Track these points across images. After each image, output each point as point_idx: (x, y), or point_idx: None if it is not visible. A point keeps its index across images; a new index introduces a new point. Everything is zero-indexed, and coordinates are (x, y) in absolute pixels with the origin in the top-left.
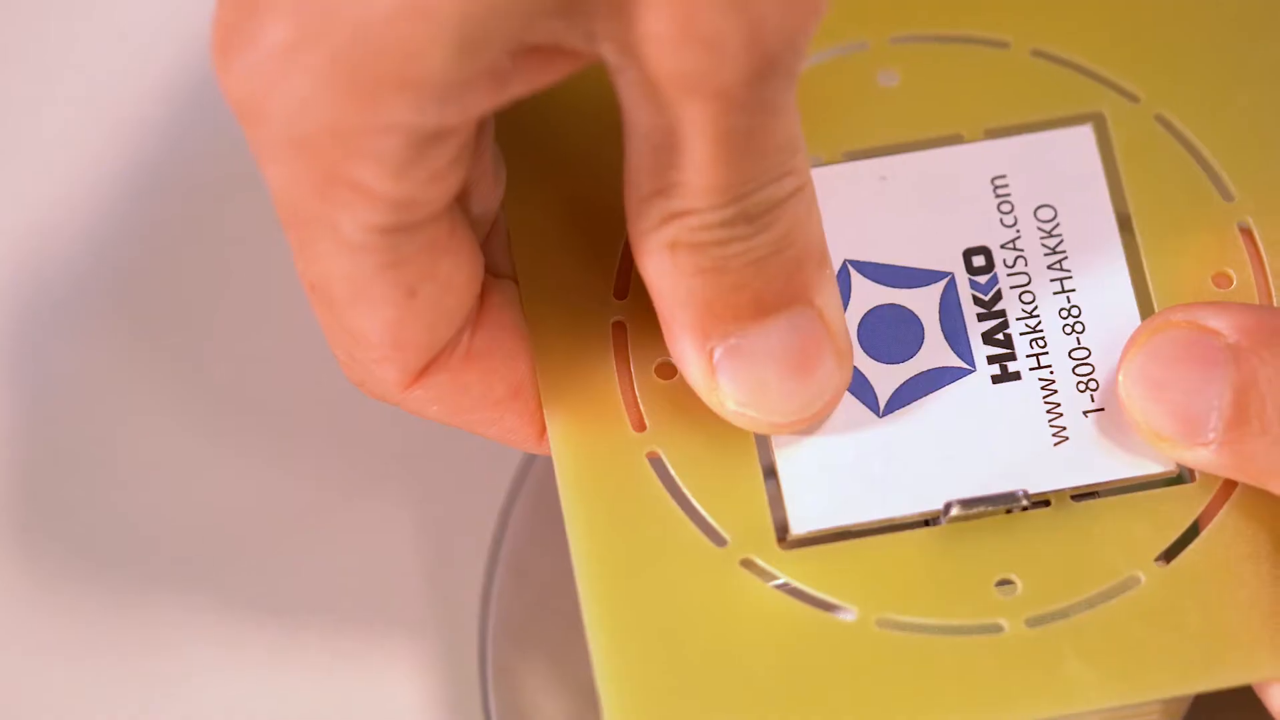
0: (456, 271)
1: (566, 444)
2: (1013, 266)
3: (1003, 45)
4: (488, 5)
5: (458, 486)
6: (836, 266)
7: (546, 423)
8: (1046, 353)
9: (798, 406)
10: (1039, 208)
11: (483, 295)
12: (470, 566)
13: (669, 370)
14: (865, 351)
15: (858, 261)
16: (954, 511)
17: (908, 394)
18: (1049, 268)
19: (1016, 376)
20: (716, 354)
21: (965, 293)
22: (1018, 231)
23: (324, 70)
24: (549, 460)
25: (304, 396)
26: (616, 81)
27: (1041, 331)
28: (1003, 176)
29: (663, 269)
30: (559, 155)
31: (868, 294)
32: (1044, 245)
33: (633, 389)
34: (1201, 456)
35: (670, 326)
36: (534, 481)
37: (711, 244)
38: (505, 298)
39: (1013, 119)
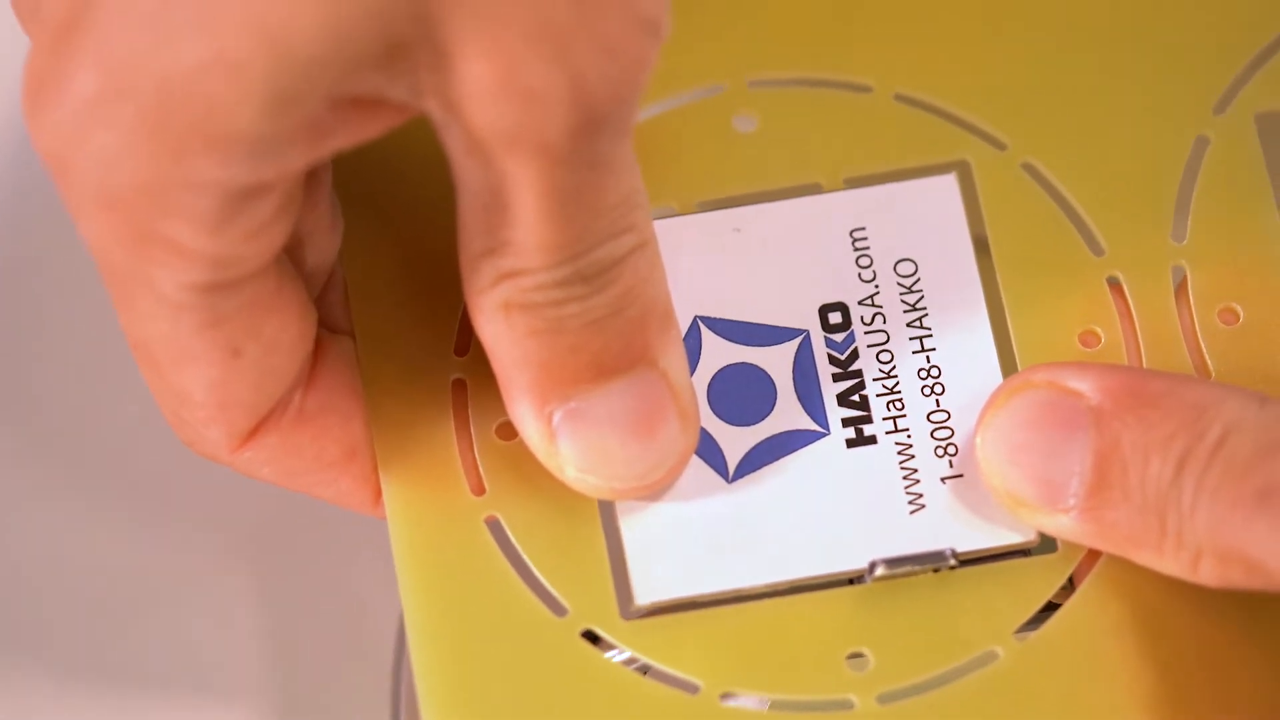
0: (284, 330)
1: (402, 509)
2: (870, 324)
3: (865, 89)
4: (301, 59)
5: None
6: (686, 323)
7: (382, 486)
8: (904, 415)
9: (640, 472)
10: (899, 262)
11: (317, 352)
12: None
13: (510, 431)
14: (715, 413)
15: (708, 318)
16: (879, 571)
17: (759, 458)
18: (908, 325)
19: (872, 440)
20: (555, 418)
21: (820, 351)
22: (876, 287)
23: (130, 125)
24: None
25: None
26: (443, 138)
27: (899, 393)
28: (862, 229)
29: (497, 330)
30: (400, 207)
31: (718, 352)
32: (903, 301)
33: (472, 450)
34: (1063, 524)
35: (507, 389)
36: None
37: (546, 305)
38: (341, 355)
39: (874, 167)
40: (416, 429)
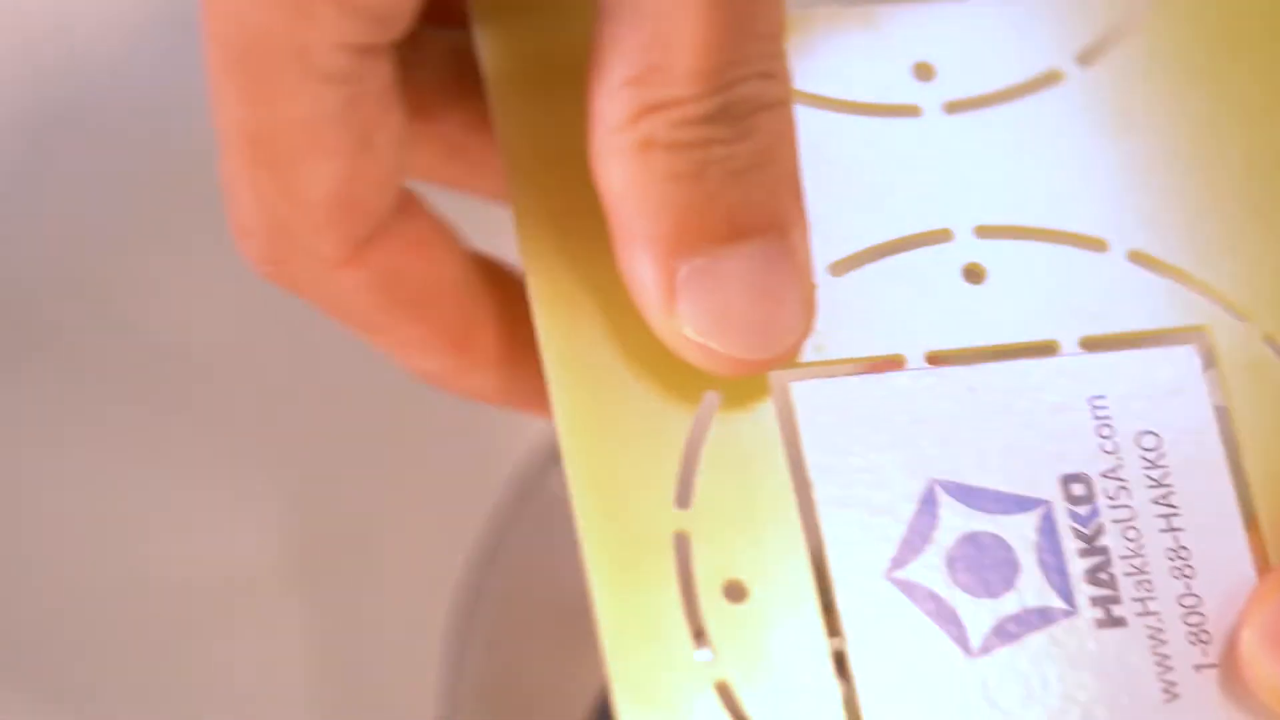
0: (405, 125)
1: (624, 666)
2: (1115, 498)
3: (1099, 247)
4: None
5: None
6: (922, 485)
7: (602, 638)
8: (1154, 597)
9: (760, 343)
10: (1142, 434)
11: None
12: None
13: (738, 593)
14: (955, 583)
15: (946, 482)
16: None
17: (1003, 633)
18: (1154, 502)
19: (1122, 622)
20: (681, 272)
21: (1064, 524)
22: (1119, 460)
23: None
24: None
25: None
26: None
27: (1148, 574)
28: (1101, 397)
29: (631, 172)
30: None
31: (958, 519)
32: (1148, 477)
33: (698, 609)
34: None
35: (628, 238)
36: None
37: (691, 144)
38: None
39: (1110, 329)
40: (639, 591)
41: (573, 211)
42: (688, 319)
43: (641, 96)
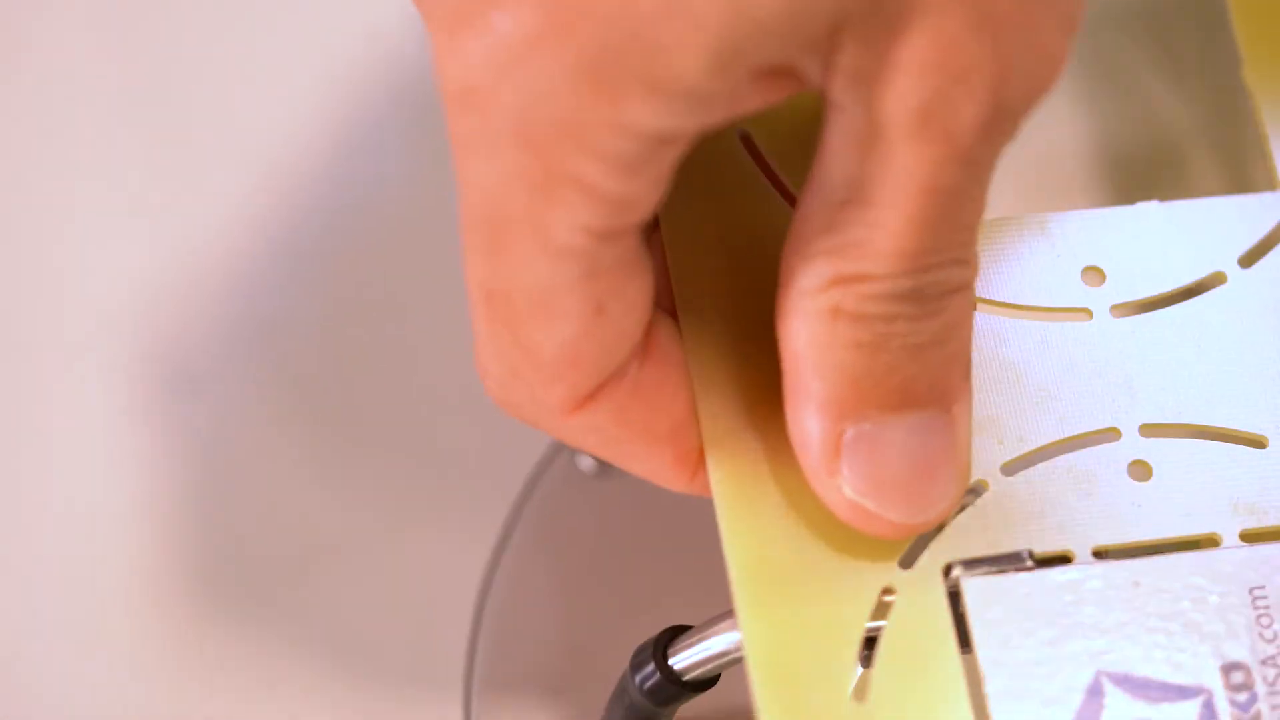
0: (641, 292)
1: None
2: (1273, 684)
3: (1259, 444)
4: (757, 21)
5: (443, 534)
6: (1088, 676)
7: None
8: None
9: (914, 510)
10: None
11: (651, 327)
12: (456, 619)
13: None
14: None
15: (1112, 673)
16: None
17: None
18: None
19: None
20: (848, 435)
21: (1225, 711)
22: (1278, 648)
23: (569, 62)
24: (539, 505)
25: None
26: (829, 119)
27: None
28: (1261, 588)
29: (815, 335)
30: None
31: (1123, 709)
32: None
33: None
34: None
35: (801, 397)
36: (524, 529)
37: (878, 317)
38: (670, 332)
39: (1270, 522)
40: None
41: (751, 388)
42: (848, 479)
43: (837, 267)
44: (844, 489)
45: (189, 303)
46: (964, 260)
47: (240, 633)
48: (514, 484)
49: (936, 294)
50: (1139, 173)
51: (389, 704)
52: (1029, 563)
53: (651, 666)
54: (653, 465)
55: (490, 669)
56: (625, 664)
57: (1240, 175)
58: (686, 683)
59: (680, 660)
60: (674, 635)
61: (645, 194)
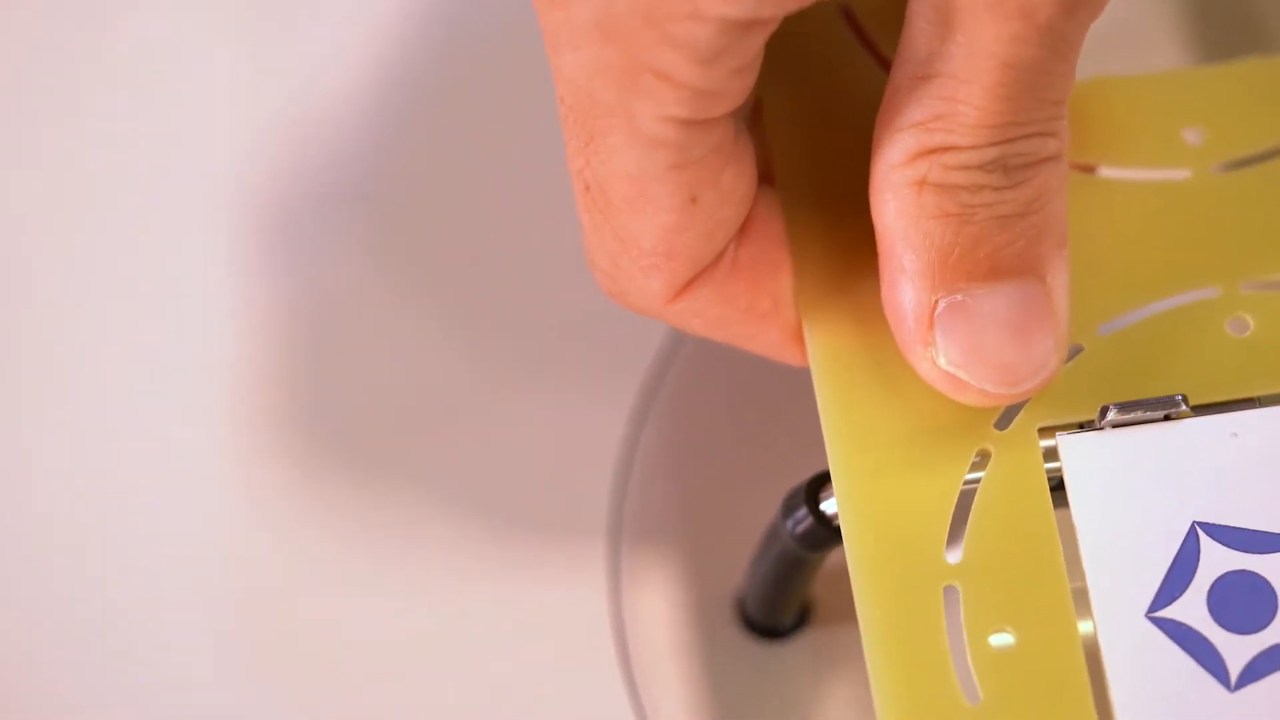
0: (738, 180)
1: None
2: None
3: None
4: None
5: (589, 389)
6: (1184, 528)
7: (875, 697)
8: None
9: (1010, 378)
10: None
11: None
12: (600, 470)
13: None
14: (1216, 620)
15: (1207, 524)
16: None
17: (1262, 667)
18: None
19: None
20: (940, 306)
21: None
22: None
23: None
24: (686, 361)
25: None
26: None
27: None
28: None
29: (904, 207)
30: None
31: (1217, 559)
32: None
33: (965, 657)
34: None
35: (894, 271)
36: (672, 381)
37: (964, 187)
38: (770, 205)
39: None
40: (910, 639)
41: (850, 261)
42: (942, 349)
43: (923, 140)
44: (939, 359)
45: (308, 164)
46: (1051, 132)
47: (378, 482)
48: (656, 339)
49: (1021, 165)
50: (1234, 31)
51: (533, 552)
52: (1124, 418)
53: (804, 510)
54: (761, 343)
55: (636, 518)
56: (772, 514)
57: None
58: (838, 528)
59: (832, 505)
60: (825, 480)
61: (730, 83)
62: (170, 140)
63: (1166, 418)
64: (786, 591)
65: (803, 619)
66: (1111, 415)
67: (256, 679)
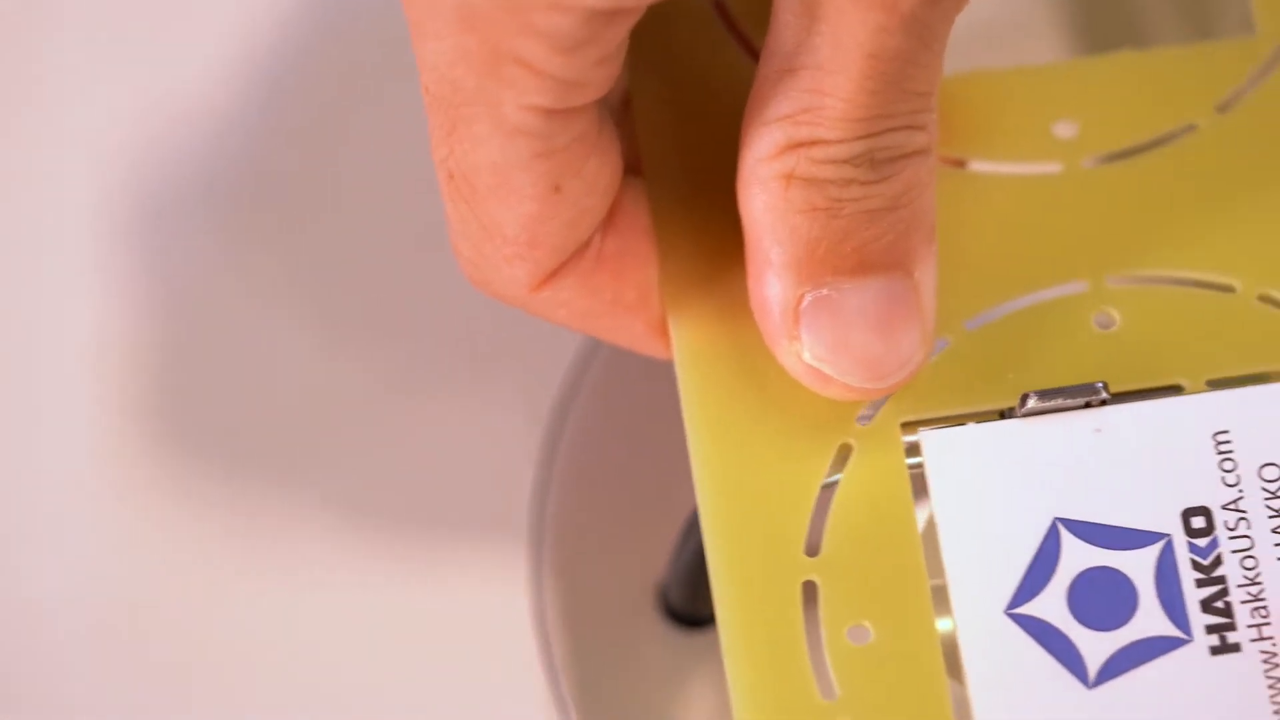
0: (602, 169)
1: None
2: (1234, 529)
3: (1228, 289)
4: None
5: (513, 379)
6: (1045, 524)
7: (732, 695)
8: (1269, 623)
9: (876, 373)
10: (1264, 466)
11: (616, 197)
12: (521, 466)
13: (860, 635)
14: (1075, 617)
15: (1068, 520)
16: None
17: (1119, 664)
18: (1273, 532)
19: (1236, 648)
20: (806, 300)
21: (1183, 556)
22: (1240, 492)
23: None
24: (609, 356)
25: (361, 295)
26: None
27: (1264, 601)
28: (1225, 432)
29: (771, 201)
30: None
31: (1079, 555)
32: (1268, 508)
33: (822, 653)
34: None
35: (760, 265)
36: (595, 375)
37: (831, 181)
38: (636, 197)
39: (1236, 369)
40: (767, 634)
41: (716, 254)
42: (807, 344)
43: (790, 134)
44: (804, 353)
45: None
46: (919, 125)
47: (262, 487)
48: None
49: (889, 158)
50: (1107, 23)
51: (450, 552)
52: (1045, 406)
53: None
54: (626, 335)
55: (558, 512)
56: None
57: (1204, 21)
58: None
59: None
60: None
61: (594, 72)
62: (26, 137)
63: (1086, 405)
64: (706, 581)
65: None
66: (1031, 403)
67: (126, 684)
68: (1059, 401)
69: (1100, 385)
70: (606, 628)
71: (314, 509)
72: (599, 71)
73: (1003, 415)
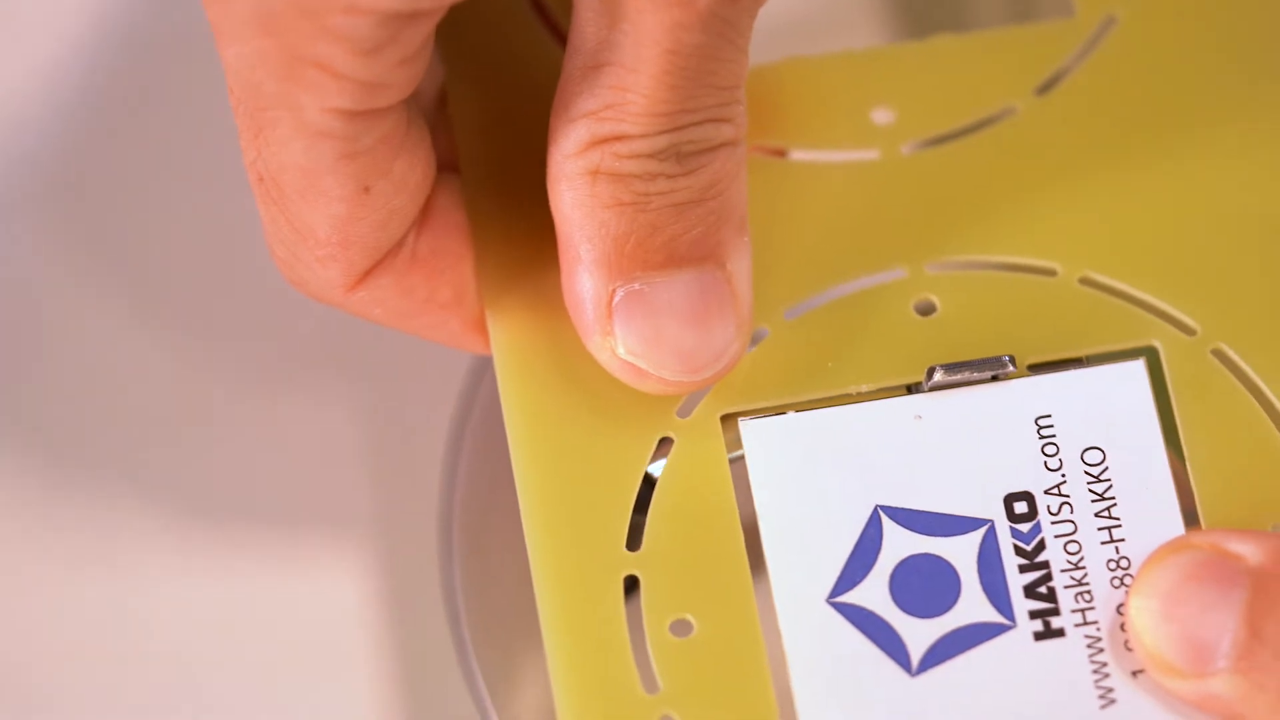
0: (411, 169)
1: (575, 707)
2: (1057, 514)
3: (1049, 273)
4: None
5: (415, 372)
6: (866, 512)
7: (554, 689)
8: (1093, 608)
9: (691, 365)
10: (1086, 450)
11: (429, 196)
12: (428, 456)
13: (683, 629)
14: (897, 605)
15: (889, 507)
16: None
17: (943, 651)
18: (1096, 515)
19: (1060, 633)
20: (617, 295)
21: (1006, 542)
22: (1063, 476)
23: None
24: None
25: (251, 292)
26: None
27: (1088, 585)
28: (1047, 416)
29: (579, 197)
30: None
31: (901, 543)
32: (1091, 491)
33: (645, 647)
34: (1212, 688)
35: (572, 261)
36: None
37: (636, 176)
38: (451, 196)
39: (1059, 352)
40: (589, 630)
41: (533, 250)
42: (621, 339)
43: (594, 129)
44: (618, 348)
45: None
46: (724, 118)
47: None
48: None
49: (695, 152)
50: (928, 9)
51: (361, 547)
52: (951, 379)
53: None
54: (443, 333)
55: (466, 506)
56: None
57: (1024, 4)
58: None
59: (657, 469)
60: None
61: (395, 74)
62: None
63: (994, 378)
64: None
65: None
66: (938, 377)
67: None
68: (966, 375)
69: (1008, 359)
70: (520, 619)
71: (142, 506)
72: (401, 72)
73: (910, 390)
